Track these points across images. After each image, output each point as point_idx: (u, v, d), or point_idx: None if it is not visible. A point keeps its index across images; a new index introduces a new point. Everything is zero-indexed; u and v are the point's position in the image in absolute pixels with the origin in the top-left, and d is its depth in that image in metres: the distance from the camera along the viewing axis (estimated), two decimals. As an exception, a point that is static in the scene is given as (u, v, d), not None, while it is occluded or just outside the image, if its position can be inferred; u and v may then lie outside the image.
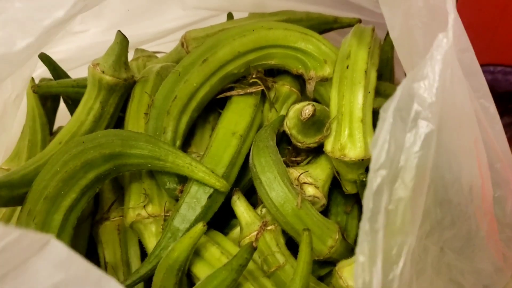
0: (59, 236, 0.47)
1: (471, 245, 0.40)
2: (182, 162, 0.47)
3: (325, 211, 0.55)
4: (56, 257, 0.31)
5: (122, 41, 0.53)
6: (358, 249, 0.30)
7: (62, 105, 0.66)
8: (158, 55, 0.68)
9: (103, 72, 0.53)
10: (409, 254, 0.32)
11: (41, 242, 0.31)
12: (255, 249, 0.41)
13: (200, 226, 0.44)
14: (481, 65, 0.45)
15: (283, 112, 0.57)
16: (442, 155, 0.33)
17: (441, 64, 0.31)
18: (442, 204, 0.36)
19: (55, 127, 0.66)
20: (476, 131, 0.37)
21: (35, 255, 0.30)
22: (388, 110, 0.31)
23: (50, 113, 0.63)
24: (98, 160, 0.46)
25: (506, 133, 0.50)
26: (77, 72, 0.64)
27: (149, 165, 0.47)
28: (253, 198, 0.55)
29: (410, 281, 0.33)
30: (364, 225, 0.30)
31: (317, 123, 0.51)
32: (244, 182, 0.54)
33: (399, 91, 0.31)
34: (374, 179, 0.30)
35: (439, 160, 0.33)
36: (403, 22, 0.37)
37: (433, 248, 0.36)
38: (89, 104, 0.54)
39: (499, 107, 0.48)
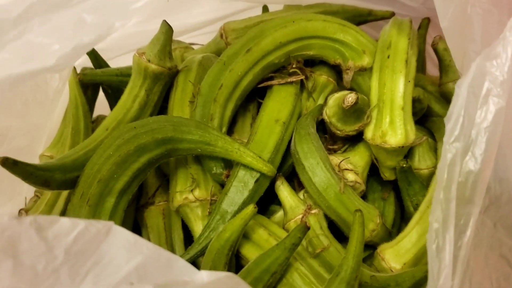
0: (111, 217, 0.48)
1: (522, 223, 0.41)
2: (231, 147, 0.49)
3: (363, 198, 0.56)
4: (125, 241, 0.32)
5: (167, 31, 0.55)
6: (431, 217, 0.32)
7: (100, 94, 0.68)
8: (194, 47, 0.70)
9: (148, 61, 0.54)
10: (474, 225, 0.33)
11: (105, 229, 0.32)
12: (308, 228, 0.42)
13: (251, 208, 0.45)
14: None
15: (320, 101, 0.59)
16: (507, 133, 0.35)
17: (514, 44, 0.33)
18: (502, 181, 0.38)
19: (94, 115, 0.67)
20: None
21: (104, 241, 0.32)
22: (462, 86, 0.32)
23: (90, 102, 0.65)
24: (151, 144, 0.48)
25: None
26: (116, 61, 0.65)
27: (199, 150, 0.49)
28: (290, 184, 0.57)
29: (470, 252, 0.35)
30: (438, 194, 0.32)
31: (357, 111, 0.53)
32: (284, 168, 0.55)
33: (473, 68, 0.33)
34: (449, 151, 0.32)
35: (504, 138, 0.35)
36: (458, 11, 0.39)
37: (489, 223, 0.38)
38: (135, 92, 0.56)
39: None
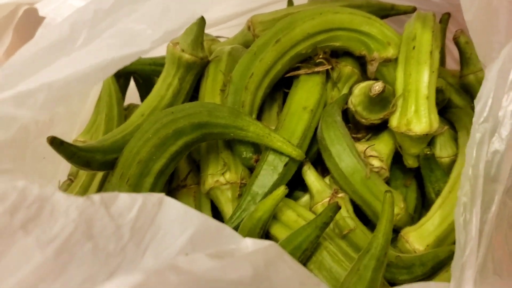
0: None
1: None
2: (262, 132, 0.51)
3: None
4: (176, 212, 0.34)
5: (200, 22, 0.57)
6: (460, 192, 0.34)
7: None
8: (220, 40, 0.72)
9: (182, 50, 0.57)
10: (498, 203, 0.36)
11: (158, 202, 0.34)
12: (339, 208, 0.45)
13: (282, 189, 0.48)
14: None
15: (345, 91, 0.61)
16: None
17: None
18: (524, 163, 0.40)
19: (125, 104, 0.70)
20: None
21: (158, 212, 0.34)
22: (492, 71, 0.35)
23: (122, 90, 0.67)
24: (188, 128, 0.50)
25: None
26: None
27: (232, 134, 0.51)
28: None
29: (492, 230, 0.37)
30: (468, 170, 0.34)
31: (383, 100, 0.55)
32: (310, 155, 0.58)
33: (503, 54, 0.35)
34: (478, 131, 0.34)
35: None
36: (484, 3, 0.41)
37: (510, 203, 0.40)
38: (168, 80, 0.58)
39: None
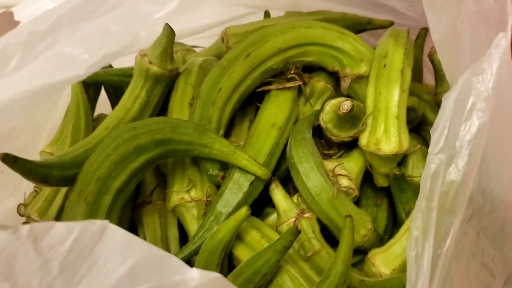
0: (108, 215, 0.49)
1: (503, 234, 0.42)
2: (227, 150, 0.50)
3: (356, 203, 0.57)
4: (119, 241, 0.33)
5: (169, 34, 0.56)
6: (413, 225, 0.33)
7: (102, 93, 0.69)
8: (196, 50, 0.71)
9: (150, 62, 0.55)
10: (455, 235, 0.34)
11: (100, 230, 0.33)
12: (299, 232, 0.43)
13: (244, 210, 0.47)
14: None
15: (317, 107, 0.60)
16: (490, 146, 0.36)
17: (499, 62, 0.34)
18: (484, 192, 0.39)
19: (95, 114, 0.69)
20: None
21: (98, 242, 0.33)
22: (449, 100, 0.34)
23: (92, 100, 0.66)
24: (150, 145, 0.49)
25: None
26: (118, 62, 0.67)
27: (196, 152, 0.50)
28: (285, 188, 0.58)
29: (451, 260, 0.36)
30: (421, 203, 0.33)
31: (353, 118, 0.54)
32: (279, 172, 0.56)
33: (460, 83, 0.34)
34: (433, 162, 0.33)
35: (487, 151, 0.36)
36: (449, 26, 0.40)
37: (471, 232, 0.39)
38: (135, 92, 0.57)
39: None
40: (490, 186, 0.40)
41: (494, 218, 0.43)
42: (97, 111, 0.69)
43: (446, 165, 0.34)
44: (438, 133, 0.34)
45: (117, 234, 0.33)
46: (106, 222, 0.33)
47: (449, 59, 0.43)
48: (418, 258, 0.33)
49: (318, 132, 0.60)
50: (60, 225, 0.31)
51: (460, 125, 0.35)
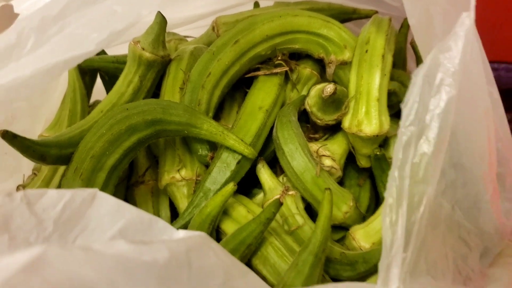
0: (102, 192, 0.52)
1: (477, 207, 0.45)
2: (216, 130, 0.52)
3: (340, 184, 0.60)
4: (109, 207, 0.36)
5: (161, 21, 0.58)
6: (386, 193, 0.35)
7: (97, 82, 0.72)
8: (188, 39, 0.73)
9: (143, 49, 0.58)
10: (428, 204, 0.37)
11: (90, 197, 0.36)
12: (281, 204, 0.46)
13: (231, 186, 0.49)
14: None
15: (304, 93, 0.62)
16: (459, 122, 0.39)
17: (464, 39, 0.36)
18: (456, 166, 0.41)
19: (91, 101, 0.71)
20: (487, 103, 0.43)
21: (89, 207, 0.35)
22: (418, 76, 0.36)
23: (88, 87, 0.68)
24: (141, 125, 0.51)
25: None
26: (113, 50, 0.69)
27: (186, 132, 0.53)
28: (273, 170, 0.61)
29: (426, 230, 0.38)
30: (394, 172, 0.35)
31: (336, 102, 0.57)
32: (266, 154, 0.59)
33: (428, 60, 0.36)
34: (404, 134, 0.36)
35: (457, 126, 0.38)
36: (422, 9, 0.42)
37: (446, 205, 0.41)
38: (129, 77, 0.59)
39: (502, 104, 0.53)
40: (462, 160, 0.42)
41: (468, 192, 0.45)
42: (93, 99, 0.72)
43: (417, 137, 0.36)
44: (408, 107, 0.37)
45: (107, 200, 0.35)
46: (96, 190, 0.36)
47: (424, 41, 0.46)
48: (393, 224, 0.35)
49: (304, 118, 0.63)
50: (52, 192, 0.33)
51: (429, 100, 0.37)
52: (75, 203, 0.33)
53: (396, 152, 0.37)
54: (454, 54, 0.37)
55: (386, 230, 0.37)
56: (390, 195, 0.36)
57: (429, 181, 0.38)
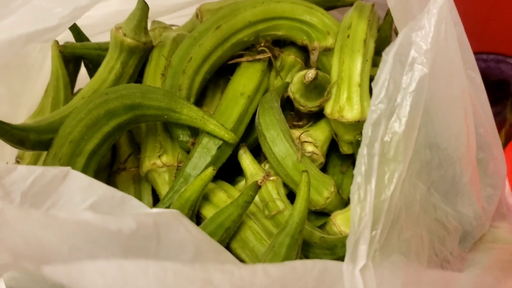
0: (82, 177, 0.52)
1: (455, 189, 0.45)
2: (196, 115, 0.52)
3: (323, 171, 0.60)
4: (81, 183, 0.35)
5: (143, 7, 0.58)
6: (355, 170, 0.35)
7: (82, 71, 0.71)
8: (173, 28, 0.73)
9: (124, 35, 0.58)
10: (399, 183, 0.37)
11: (62, 174, 0.35)
12: (259, 187, 0.46)
13: (210, 170, 0.49)
14: (474, 53, 0.50)
15: (288, 80, 0.62)
16: (433, 101, 0.38)
17: (437, 17, 0.36)
18: (431, 146, 0.41)
19: (75, 90, 0.71)
20: (464, 83, 0.42)
21: (61, 184, 0.35)
22: (389, 54, 0.36)
23: (72, 75, 0.68)
24: (120, 109, 0.51)
25: (497, 120, 0.55)
26: (97, 38, 0.69)
27: (166, 117, 0.52)
28: (257, 158, 0.60)
29: (400, 210, 0.38)
30: (362, 150, 0.35)
31: (318, 88, 0.56)
32: (249, 141, 0.59)
33: (399, 38, 0.36)
34: (374, 112, 0.35)
35: (430, 106, 0.38)
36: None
37: (421, 186, 0.41)
38: (111, 64, 0.59)
39: (490, 96, 0.53)
40: (436, 140, 0.42)
41: (443, 173, 0.45)
42: (77, 87, 0.72)
43: (388, 116, 0.36)
44: (379, 85, 0.36)
45: (79, 177, 0.35)
46: (69, 168, 0.36)
47: (402, 23, 0.45)
48: (361, 201, 0.35)
49: (289, 106, 0.63)
50: (21, 167, 0.33)
51: (401, 78, 0.37)
52: (45, 178, 0.33)
53: (365, 129, 0.36)
54: (426, 32, 0.37)
55: (354, 207, 0.36)
56: (358, 173, 0.36)
57: (401, 160, 0.38)
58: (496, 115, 0.55)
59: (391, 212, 0.38)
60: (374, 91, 0.36)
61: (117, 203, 0.35)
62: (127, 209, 0.35)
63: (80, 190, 0.34)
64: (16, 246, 0.24)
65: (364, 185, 0.35)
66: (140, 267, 0.26)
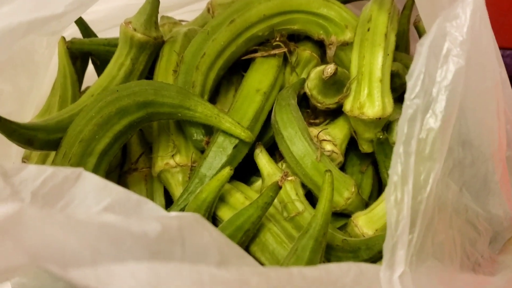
0: (92, 178, 0.49)
1: (486, 189, 0.42)
2: (210, 113, 0.50)
3: (342, 170, 0.57)
4: (95, 185, 0.33)
5: (154, 1, 0.56)
6: (391, 170, 0.33)
7: (89, 68, 0.69)
8: (183, 23, 0.71)
9: (134, 30, 0.55)
10: (435, 183, 0.34)
11: (75, 175, 0.33)
12: (280, 187, 0.44)
13: (227, 170, 0.47)
14: None
15: (303, 76, 0.60)
16: (468, 95, 0.36)
17: (472, 6, 0.34)
18: (464, 144, 0.39)
19: (83, 87, 0.69)
20: (497, 76, 0.40)
21: (73, 186, 0.33)
22: (423, 46, 0.34)
23: (79, 72, 0.66)
24: (132, 107, 0.49)
25: None
26: (105, 33, 0.67)
27: (179, 115, 0.50)
28: (272, 157, 0.58)
29: (433, 211, 0.36)
30: (398, 148, 0.33)
31: (337, 84, 0.54)
32: (265, 139, 0.57)
33: (434, 29, 0.34)
34: (410, 107, 0.33)
35: (465, 100, 0.36)
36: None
37: (453, 186, 0.39)
38: (120, 60, 0.57)
39: None
40: (470, 137, 0.40)
41: (476, 172, 0.43)
42: (85, 85, 0.70)
43: (423, 111, 0.34)
44: (414, 79, 0.34)
45: (92, 179, 0.33)
46: (81, 169, 0.34)
47: (429, 13, 0.43)
48: (398, 203, 0.33)
49: (305, 103, 0.61)
50: (31, 167, 0.31)
51: (436, 71, 0.35)
52: (57, 179, 0.31)
53: (401, 126, 0.34)
54: (461, 22, 0.34)
55: (391, 209, 0.34)
56: (394, 172, 0.34)
57: (436, 158, 0.36)
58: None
59: (427, 214, 0.36)
60: (409, 84, 0.34)
61: (132, 206, 0.33)
62: (143, 212, 0.33)
63: (94, 192, 0.32)
64: (35, 248, 0.22)
65: (401, 186, 0.33)
66: (173, 269, 0.24)
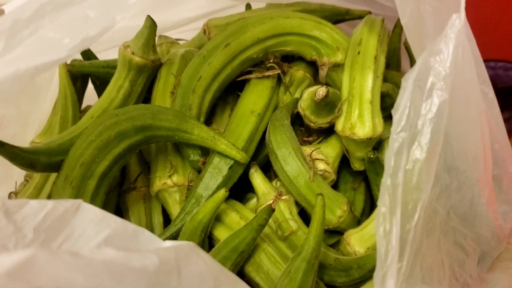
0: (93, 199, 0.51)
1: (473, 211, 0.44)
2: (206, 135, 0.52)
3: (334, 188, 0.59)
4: (93, 216, 0.35)
5: (151, 25, 0.58)
6: (379, 202, 0.35)
7: (89, 86, 0.71)
8: (180, 43, 0.73)
9: (133, 53, 0.57)
10: (423, 211, 0.36)
11: (74, 207, 0.35)
12: (273, 210, 0.45)
13: (222, 192, 0.48)
14: (483, 61, 0.50)
15: (297, 96, 0.62)
16: (452, 125, 0.38)
17: (454, 41, 0.36)
18: (450, 170, 0.40)
19: (83, 106, 0.70)
20: (481, 105, 0.42)
21: (73, 217, 0.35)
22: (409, 80, 0.35)
23: (79, 92, 0.67)
24: (131, 131, 0.51)
25: (506, 126, 0.54)
26: (104, 54, 0.68)
27: (176, 137, 0.52)
28: (267, 174, 0.60)
29: (421, 237, 0.37)
30: (386, 180, 0.34)
31: (329, 104, 0.56)
32: (260, 158, 0.58)
33: (418, 64, 0.36)
34: (396, 140, 0.35)
35: (449, 130, 0.38)
36: (414, 8, 0.42)
37: (441, 211, 0.40)
38: (119, 82, 0.58)
39: (499, 102, 0.52)
40: (455, 164, 0.42)
41: (462, 196, 0.44)
42: (85, 103, 0.71)
43: (409, 143, 0.35)
44: (399, 113, 0.36)
45: (91, 210, 0.34)
46: (80, 200, 0.35)
47: (416, 41, 0.45)
48: (387, 233, 0.34)
49: (299, 121, 0.62)
50: (33, 202, 0.33)
51: (421, 105, 0.36)
52: (57, 212, 0.33)
53: (387, 159, 0.36)
54: (445, 57, 0.36)
55: (380, 240, 0.36)
56: (383, 204, 0.36)
57: (423, 188, 0.37)
58: (506, 120, 0.54)
59: (415, 242, 0.37)
60: (395, 118, 0.36)
61: (129, 236, 0.34)
62: (140, 242, 0.35)
63: (93, 223, 0.34)
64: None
65: (389, 217, 0.35)
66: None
